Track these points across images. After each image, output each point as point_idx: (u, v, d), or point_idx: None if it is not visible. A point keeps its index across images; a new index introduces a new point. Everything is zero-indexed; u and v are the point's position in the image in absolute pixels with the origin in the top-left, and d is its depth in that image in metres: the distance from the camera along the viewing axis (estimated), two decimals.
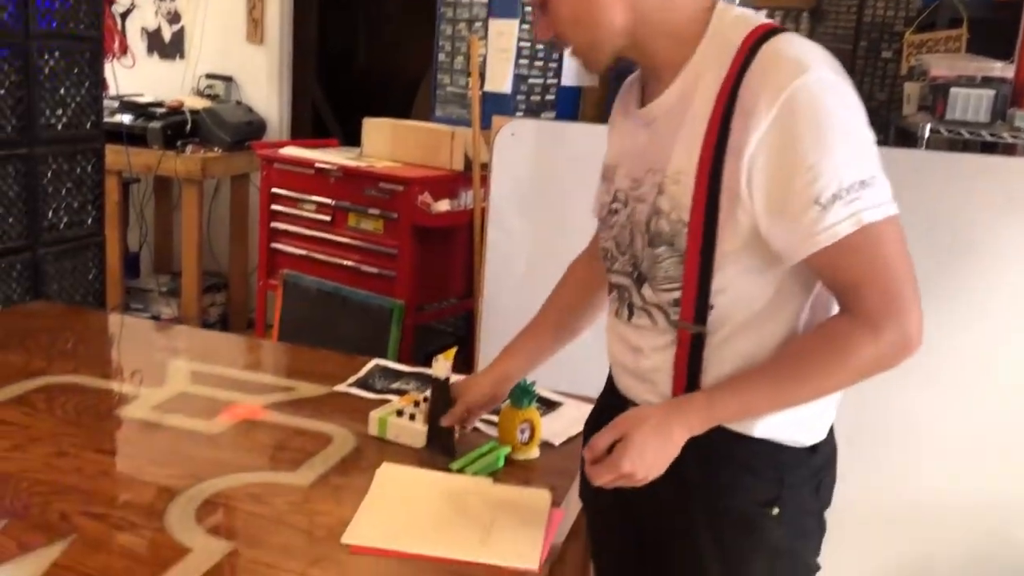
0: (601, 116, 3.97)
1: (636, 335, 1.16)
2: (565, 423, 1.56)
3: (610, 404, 1.24)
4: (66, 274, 2.70)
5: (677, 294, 1.10)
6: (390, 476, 1.31)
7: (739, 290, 1.08)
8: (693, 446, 1.11)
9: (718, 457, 1.11)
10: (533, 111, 3.47)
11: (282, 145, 3.32)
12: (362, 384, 1.67)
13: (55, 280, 2.66)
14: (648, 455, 1.05)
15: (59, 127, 2.62)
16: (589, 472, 1.09)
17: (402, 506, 1.24)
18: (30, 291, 2.57)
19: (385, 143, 3.21)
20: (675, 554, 1.17)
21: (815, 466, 1.13)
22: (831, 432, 1.17)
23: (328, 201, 3.06)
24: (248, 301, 4.16)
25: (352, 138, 3.45)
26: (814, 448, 1.13)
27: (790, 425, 1.11)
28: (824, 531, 1.16)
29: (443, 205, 2.89)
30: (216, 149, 3.80)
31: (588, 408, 1.44)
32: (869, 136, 1.04)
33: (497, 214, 2.17)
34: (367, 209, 2.96)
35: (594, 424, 1.25)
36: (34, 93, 2.50)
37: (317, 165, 3.05)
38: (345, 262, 3.04)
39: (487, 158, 2.39)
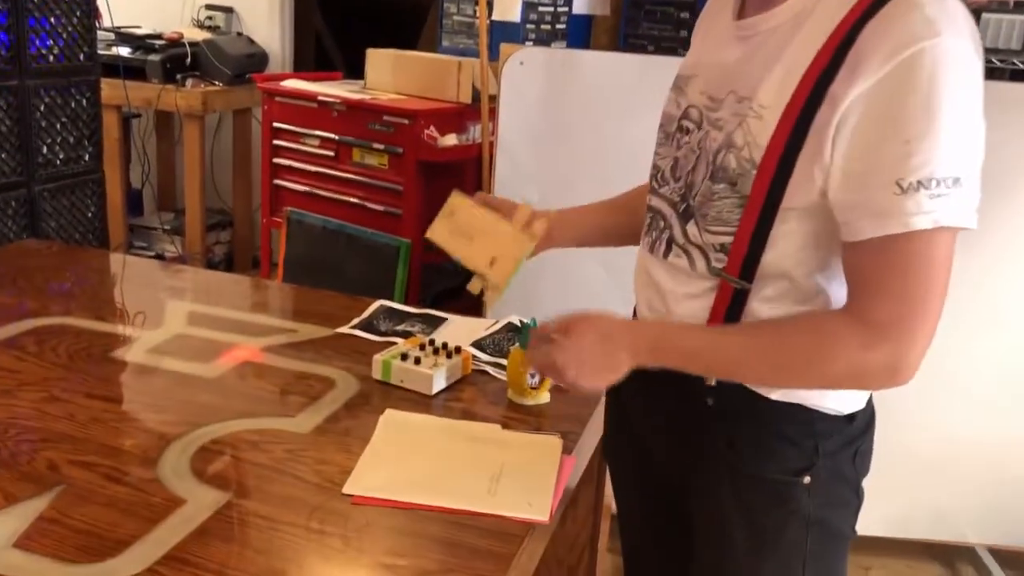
0: (613, 44, 3.83)
1: (669, 276, 1.07)
2: None
3: None
4: (64, 212, 2.63)
5: (726, 239, 0.99)
6: (394, 423, 1.25)
7: (792, 255, 0.98)
8: (721, 407, 1.04)
9: (749, 421, 1.03)
10: (543, 40, 3.34)
11: (284, 78, 3.21)
12: (366, 326, 1.60)
13: (52, 218, 2.59)
14: (585, 359, 1.02)
15: (50, 58, 2.53)
16: (528, 353, 1.14)
17: (407, 454, 1.18)
18: (27, 229, 2.51)
19: (389, 75, 3.10)
20: (701, 519, 1.12)
21: (852, 434, 1.05)
22: (870, 399, 1.08)
23: (331, 136, 2.96)
24: (253, 239, 4.09)
25: (356, 71, 3.34)
26: (851, 416, 1.05)
27: (828, 392, 1.02)
28: (861, 500, 1.09)
29: (450, 139, 2.80)
30: (217, 83, 3.69)
31: None
32: (981, 130, 0.90)
33: (506, 147, 2.08)
34: (371, 144, 2.87)
35: None
36: (22, 22, 2.41)
37: (319, 98, 2.95)
38: (350, 199, 2.96)
39: (495, 90, 2.29)
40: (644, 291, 1.14)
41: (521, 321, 1.33)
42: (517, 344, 1.37)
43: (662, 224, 1.09)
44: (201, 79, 3.69)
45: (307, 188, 3.06)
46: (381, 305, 1.71)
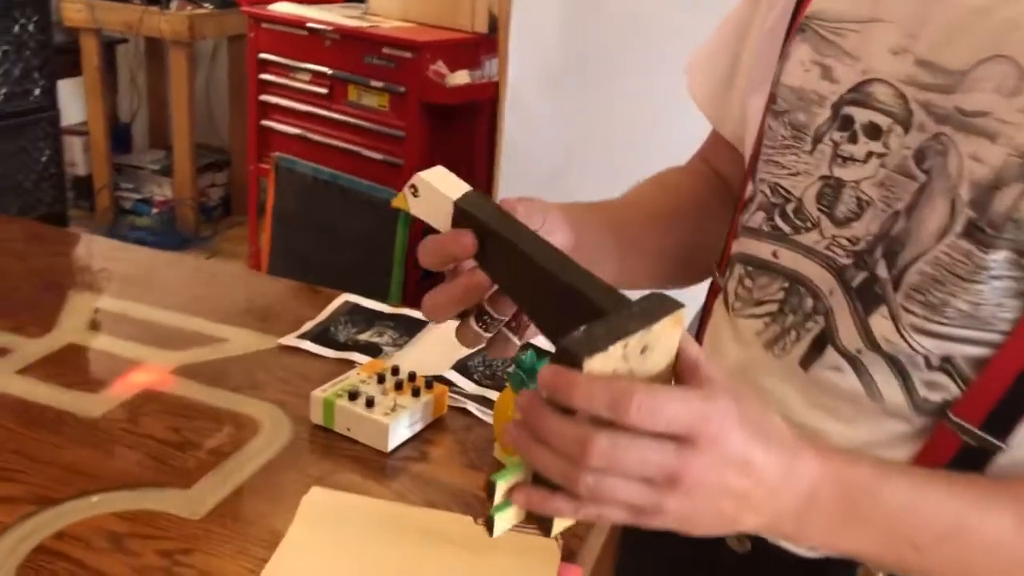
0: None
1: (810, 402, 0.65)
2: None
3: None
4: (9, 157, 2.27)
5: (974, 351, 0.57)
6: (320, 511, 0.88)
7: None
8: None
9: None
10: None
11: (272, 1, 2.79)
12: (320, 334, 1.23)
13: None
14: (706, 494, 0.48)
15: None
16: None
17: (334, 565, 0.81)
18: None
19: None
20: None
21: None
22: None
23: (324, 70, 2.56)
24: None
25: None
26: None
27: None
28: None
29: (461, 77, 2.38)
30: (206, 5, 3.27)
31: None
32: None
33: (515, 96, 1.66)
34: (369, 81, 2.46)
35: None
36: None
37: (309, 25, 2.53)
38: (344, 145, 2.56)
39: None
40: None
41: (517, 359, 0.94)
42: (508, 381, 0.98)
43: (798, 304, 0.66)
44: (188, 0, 3.28)
45: (298, 131, 2.66)
46: (345, 302, 1.33)
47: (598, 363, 0.47)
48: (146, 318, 1.27)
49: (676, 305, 0.50)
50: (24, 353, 1.13)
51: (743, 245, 0.70)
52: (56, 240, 1.49)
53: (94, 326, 1.21)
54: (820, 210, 0.64)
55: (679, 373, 0.51)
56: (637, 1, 1.61)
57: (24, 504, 0.86)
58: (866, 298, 0.61)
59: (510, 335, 0.61)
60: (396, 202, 0.67)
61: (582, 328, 0.48)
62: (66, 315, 1.23)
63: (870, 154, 0.61)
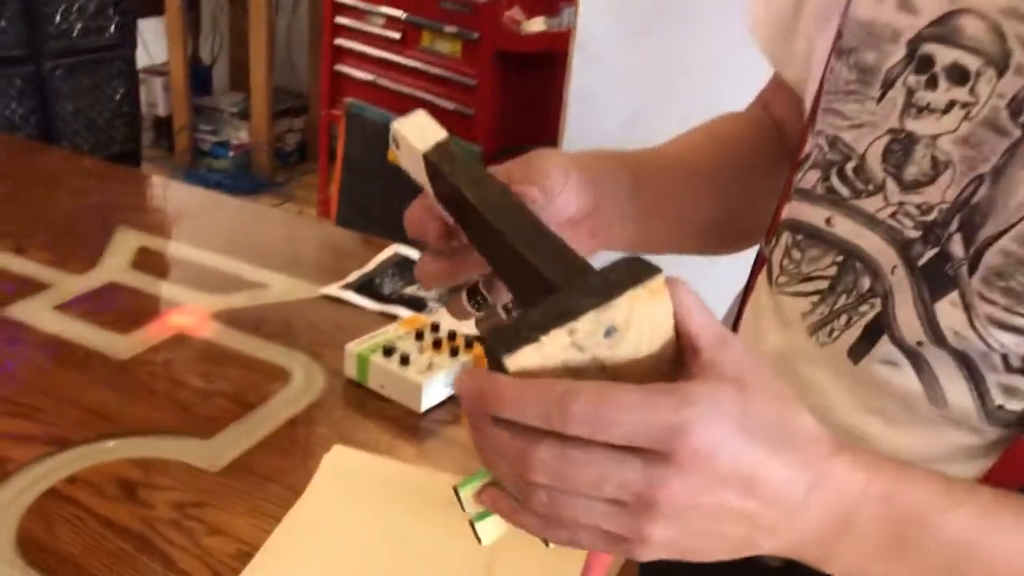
0: None
1: (858, 402, 0.55)
2: None
3: None
4: (83, 92, 2.27)
5: None
6: (341, 472, 0.83)
7: None
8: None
9: None
10: None
11: None
12: (364, 284, 1.17)
13: (69, 100, 2.24)
14: (698, 522, 0.38)
15: None
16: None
17: (343, 539, 0.76)
18: (36, 111, 2.17)
19: None
20: None
21: None
22: None
23: (398, 14, 2.49)
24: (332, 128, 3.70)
25: None
26: None
27: None
28: None
29: (536, 24, 2.28)
30: None
31: None
32: None
33: (586, 40, 1.56)
34: (443, 26, 2.38)
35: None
36: None
37: None
38: (416, 93, 2.50)
39: None
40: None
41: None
42: None
43: (852, 282, 0.55)
44: None
45: (370, 77, 2.61)
46: (395, 254, 1.27)
47: (531, 359, 0.37)
48: (190, 259, 1.24)
49: (650, 271, 0.38)
50: (64, 289, 1.11)
51: (794, 210, 0.60)
52: (112, 177, 1.47)
53: (137, 265, 1.18)
54: (886, 171, 0.53)
55: (681, 357, 0.39)
56: None
57: (40, 444, 0.83)
58: (934, 280, 0.50)
59: (503, 315, 0.52)
60: (391, 156, 0.57)
61: (515, 314, 0.38)
62: (110, 252, 1.21)
63: (952, 103, 0.50)
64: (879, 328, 0.53)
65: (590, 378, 0.37)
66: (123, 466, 0.82)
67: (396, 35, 2.50)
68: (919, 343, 0.51)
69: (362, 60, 2.61)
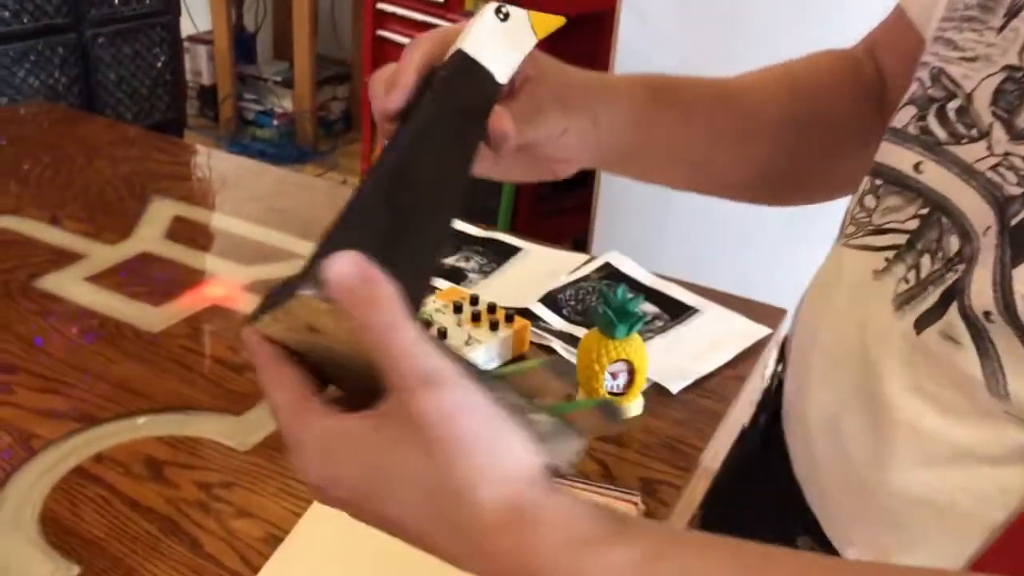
0: None
1: (912, 380, 0.48)
2: (698, 348, 0.98)
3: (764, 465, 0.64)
4: (125, 60, 2.26)
5: None
6: None
7: None
8: None
9: None
10: None
11: None
12: None
13: (112, 68, 2.23)
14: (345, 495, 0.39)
15: None
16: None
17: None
18: (79, 80, 2.16)
19: None
20: None
21: None
22: None
23: None
24: None
25: None
26: None
27: None
28: None
29: None
30: None
31: (746, 327, 0.91)
32: None
33: (632, 3, 1.48)
34: None
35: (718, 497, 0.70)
36: None
37: None
38: None
39: None
40: (834, 386, 0.53)
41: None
42: (596, 326, 0.86)
43: (936, 241, 0.47)
44: None
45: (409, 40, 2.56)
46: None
47: (269, 328, 0.40)
48: (227, 229, 1.21)
49: (305, 285, 0.37)
50: (97, 259, 1.08)
51: (880, 151, 0.53)
52: (150, 146, 1.44)
53: (172, 235, 1.16)
54: (995, 114, 0.45)
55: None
56: None
57: (68, 421, 0.81)
58: (1020, 242, 0.42)
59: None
60: None
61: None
62: (145, 222, 1.18)
63: None
64: (951, 295, 0.46)
65: (320, 343, 0.39)
66: (151, 444, 0.79)
67: None
68: (986, 313, 0.43)
69: (405, 25, 2.56)
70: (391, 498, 0.37)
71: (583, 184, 1.99)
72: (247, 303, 1.01)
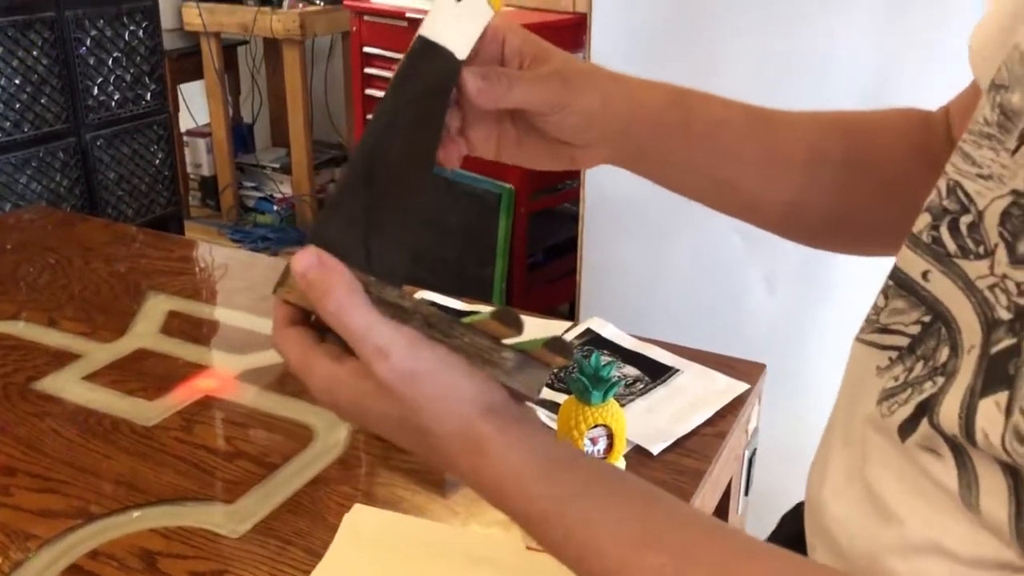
0: None
1: (903, 486, 0.49)
2: (678, 408, 1.00)
3: None
4: (124, 160, 2.33)
5: None
6: (363, 529, 0.81)
7: None
8: None
9: None
10: None
11: None
12: None
13: (111, 168, 2.30)
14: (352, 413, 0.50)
15: None
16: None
17: None
18: (79, 182, 2.23)
19: None
20: None
21: None
22: None
23: None
24: None
25: None
26: None
27: None
28: None
29: None
30: (317, 1, 3.30)
31: (726, 384, 0.90)
32: None
33: None
34: None
35: None
36: None
37: (408, 15, 2.49)
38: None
39: None
40: (840, 483, 0.54)
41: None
42: (574, 389, 0.89)
43: (933, 349, 0.49)
44: None
45: None
46: (422, 299, 1.26)
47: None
48: (220, 320, 1.25)
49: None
50: (93, 359, 1.12)
51: (898, 254, 0.53)
52: (144, 243, 1.49)
53: (166, 330, 1.19)
54: (1002, 235, 0.45)
55: None
56: None
57: (64, 518, 0.83)
58: (992, 373, 0.43)
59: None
60: None
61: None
62: (140, 319, 1.22)
63: None
64: (925, 407, 0.47)
65: None
66: (145, 536, 0.81)
67: None
68: (954, 436, 0.44)
69: None
70: (377, 425, 0.50)
71: (572, 249, 2.03)
72: (239, 392, 1.05)
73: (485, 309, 1.21)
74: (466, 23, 0.53)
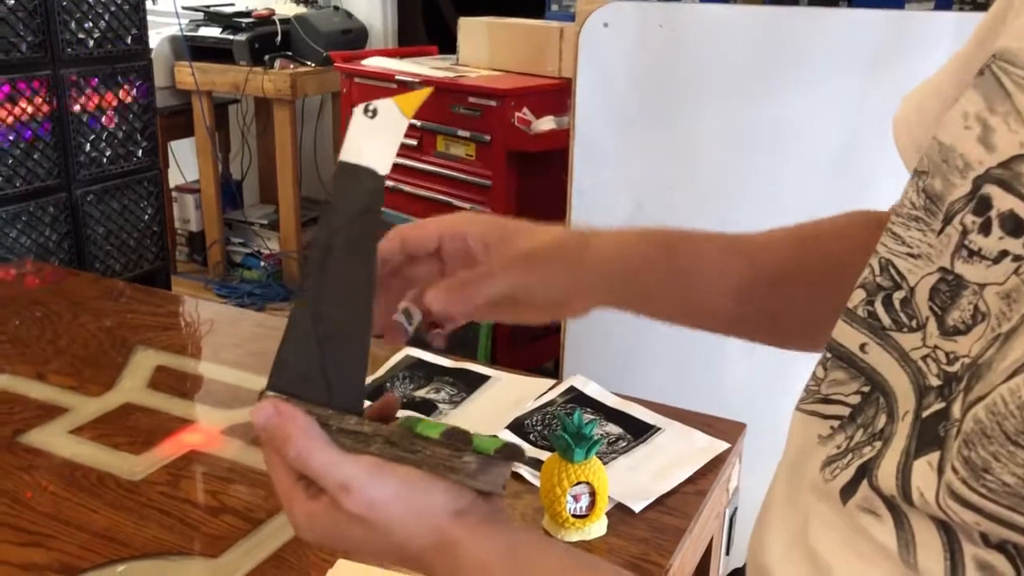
0: None
1: (841, 545, 0.51)
2: (660, 466, 1.02)
3: None
4: (113, 215, 2.35)
5: None
6: None
7: None
8: None
9: None
10: None
11: (366, 56, 2.84)
12: (374, 391, 1.18)
13: (100, 223, 2.32)
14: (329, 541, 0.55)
15: (90, 43, 2.23)
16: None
17: None
18: (68, 236, 2.24)
19: (483, 48, 2.66)
20: None
21: None
22: None
23: (414, 121, 2.56)
24: None
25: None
26: None
27: None
28: None
29: (546, 123, 2.34)
30: (309, 63, 3.37)
31: (706, 443, 0.91)
32: None
33: (584, 139, 1.59)
34: (456, 131, 2.45)
35: None
36: (51, 2, 2.11)
37: (398, 78, 2.55)
38: (435, 196, 2.55)
39: None
40: (780, 525, 0.56)
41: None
42: (557, 446, 0.90)
43: (871, 417, 0.51)
44: (291, 59, 3.38)
45: (391, 183, 2.67)
46: (406, 356, 1.28)
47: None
48: (206, 375, 1.26)
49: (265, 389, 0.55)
50: (80, 413, 1.13)
51: (835, 328, 0.56)
52: (132, 298, 1.50)
53: (153, 384, 1.20)
54: (931, 309, 0.48)
55: None
56: (705, 30, 1.53)
57: (49, 572, 0.84)
58: (924, 435, 0.45)
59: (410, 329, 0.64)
60: None
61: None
62: (127, 373, 1.23)
63: (1004, 253, 0.45)
64: (864, 471, 0.49)
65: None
66: None
67: (413, 141, 2.57)
68: (892, 496, 0.46)
69: None
70: (358, 551, 0.53)
71: None
72: (224, 447, 1.05)
73: (472, 366, 1.24)
74: (384, 137, 0.54)
